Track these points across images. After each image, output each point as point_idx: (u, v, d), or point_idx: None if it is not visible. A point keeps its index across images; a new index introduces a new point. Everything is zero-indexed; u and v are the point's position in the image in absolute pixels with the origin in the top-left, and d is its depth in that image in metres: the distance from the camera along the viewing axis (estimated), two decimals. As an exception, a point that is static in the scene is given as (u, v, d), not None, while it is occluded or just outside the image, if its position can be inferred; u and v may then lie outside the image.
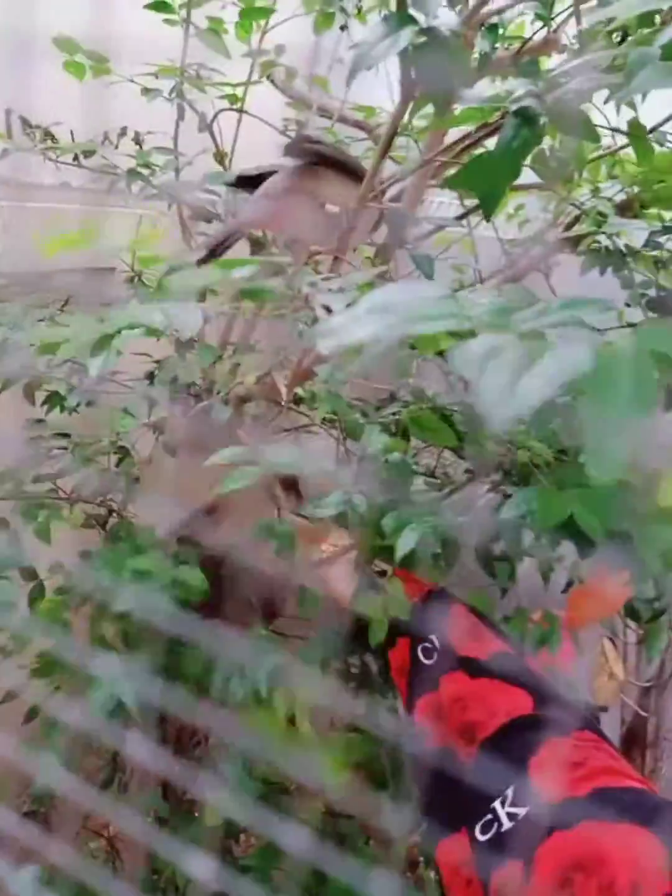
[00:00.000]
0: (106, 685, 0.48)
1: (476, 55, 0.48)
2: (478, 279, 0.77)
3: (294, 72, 0.70)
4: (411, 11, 0.27)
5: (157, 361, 0.73)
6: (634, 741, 1.04)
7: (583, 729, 0.42)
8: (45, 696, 0.58)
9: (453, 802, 0.41)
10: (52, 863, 0.52)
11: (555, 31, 0.51)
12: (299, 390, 0.72)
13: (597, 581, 0.68)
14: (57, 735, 0.54)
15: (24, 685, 0.58)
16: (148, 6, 0.57)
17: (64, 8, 0.66)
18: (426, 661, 0.49)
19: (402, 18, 0.27)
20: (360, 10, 0.65)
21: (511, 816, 0.37)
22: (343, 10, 0.63)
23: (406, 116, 0.34)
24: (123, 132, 0.59)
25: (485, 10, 0.39)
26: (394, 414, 0.61)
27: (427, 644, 0.50)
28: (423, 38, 0.26)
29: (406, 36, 0.26)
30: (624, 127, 0.48)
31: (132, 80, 0.55)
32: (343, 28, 0.65)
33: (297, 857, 0.50)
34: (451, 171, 0.60)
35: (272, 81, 0.69)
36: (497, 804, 0.38)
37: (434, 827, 0.44)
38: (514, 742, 0.41)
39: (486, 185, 0.30)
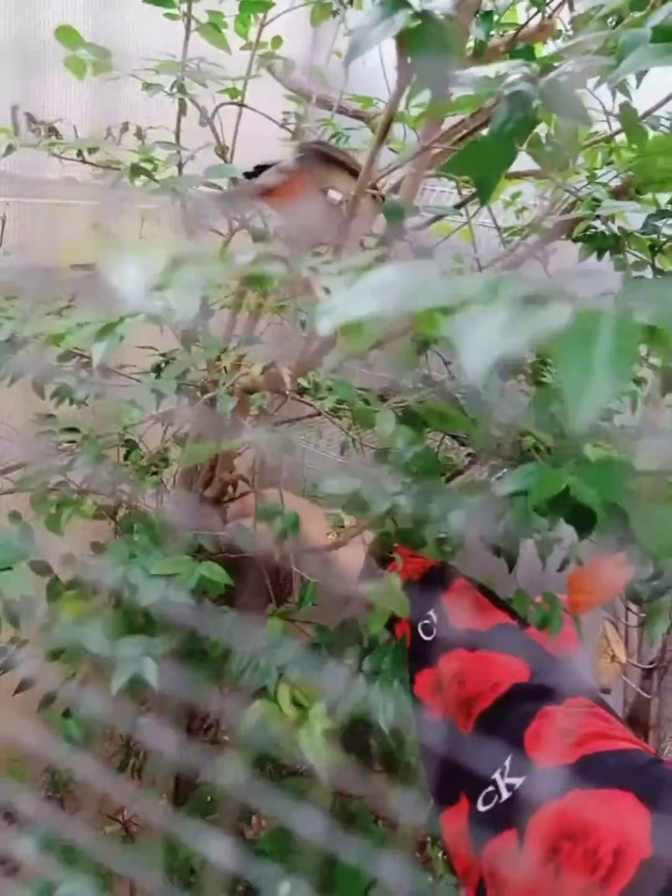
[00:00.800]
0: (127, 665, 0.49)
1: (471, 43, 0.49)
2: (476, 268, 0.78)
3: (292, 64, 0.71)
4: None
5: (163, 355, 0.74)
6: (636, 723, 1.05)
7: (577, 695, 0.43)
8: (63, 683, 0.59)
9: (456, 775, 0.42)
10: (71, 845, 0.53)
11: (549, 16, 0.51)
12: (303, 381, 0.73)
13: (597, 563, 0.68)
14: (75, 721, 0.56)
15: (40, 672, 0.60)
16: (148, 0, 0.57)
17: (67, 8, 0.67)
18: (426, 638, 0.50)
19: (396, 2, 0.27)
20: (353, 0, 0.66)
21: (509, 787, 0.38)
22: (340, 0, 0.64)
23: (402, 103, 0.35)
24: (125, 127, 0.60)
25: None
26: (400, 402, 0.62)
27: (426, 621, 0.51)
28: (417, 22, 0.27)
29: (400, 19, 0.27)
30: (618, 113, 0.49)
31: (133, 76, 0.56)
32: (335, 14, 0.65)
33: (308, 838, 0.51)
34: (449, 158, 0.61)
35: (272, 73, 0.70)
36: (497, 775, 0.39)
37: (440, 800, 0.45)
38: (510, 712, 0.42)
39: (481, 169, 0.31)
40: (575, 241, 0.64)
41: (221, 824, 0.59)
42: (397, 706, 0.50)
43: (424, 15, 0.27)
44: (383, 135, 0.38)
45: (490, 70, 0.32)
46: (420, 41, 0.28)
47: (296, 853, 0.62)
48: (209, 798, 0.70)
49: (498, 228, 0.81)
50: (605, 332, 0.16)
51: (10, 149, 0.57)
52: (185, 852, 0.65)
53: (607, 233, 0.61)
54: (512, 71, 0.30)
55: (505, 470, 0.63)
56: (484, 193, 0.32)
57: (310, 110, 0.77)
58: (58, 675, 0.61)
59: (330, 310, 0.22)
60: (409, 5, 0.27)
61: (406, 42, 0.28)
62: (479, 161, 0.30)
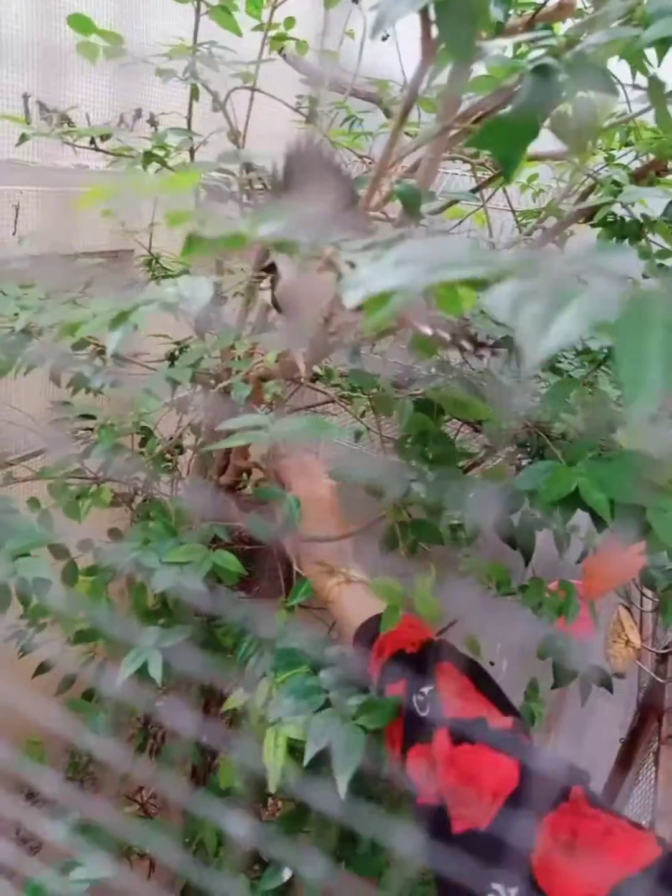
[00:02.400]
0: (137, 656, 0.50)
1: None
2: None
3: (304, 45, 0.70)
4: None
5: (178, 343, 0.74)
6: (651, 707, 1.05)
7: (571, 786, 0.41)
8: (81, 666, 0.60)
9: (452, 877, 0.40)
10: (93, 825, 0.54)
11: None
12: (317, 368, 0.73)
13: (611, 550, 0.68)
14: (94, 703, 0.56)
15: (59, 656, 0.60)
16: (159, -15, 0.57)
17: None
18: (420, 713, 0.48)
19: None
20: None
21: None
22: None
23: (425, 81, 0.34)
24: (138, 114, 0.60)
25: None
26: (415, 390, 0.61)
27: (420, 696, 0.49)
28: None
29: (428, -10, 0.27)
30: (637, 89, 0.48)
31: (146, 61, 0.56)
32: (356, 0, 0.64)
33: (326, 817, 0.51)
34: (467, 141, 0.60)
35: (283, 56, 0.69)
36: (499, 887, 0.38)
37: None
38: (509, 832, 0.40)
39: (504, 146, 0.30)
40: (594, 226, 0.63)
41: (238, 804, 0.60)
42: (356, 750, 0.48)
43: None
44: (405, 115, 0.38)
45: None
46: (448, 11, 0.27)
47: (310, 834, 0.63)
48: (225, 779, 0.70)
49: (513, 212, 0.80)
50: (658, 320, 0.16)
51: (23, 138, 0.57)
52: (203, 831, 0.66)
53: (628, 219, 0.60)
54: (536, 48, 0.30)
55: (522, 458, 0.62)
56: (508, 171, 0.31)
57: (323, 93, 0.76)
58: (76, 657, 0.61)
59: (356, 283, 0.22)
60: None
61: (435, 13, 0.27)
62: (503, 137, 0.30)
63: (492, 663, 0.71)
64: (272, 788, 0.48)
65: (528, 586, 0.60)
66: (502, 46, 0.35)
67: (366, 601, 0.56)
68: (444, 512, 0.59)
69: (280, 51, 0.69)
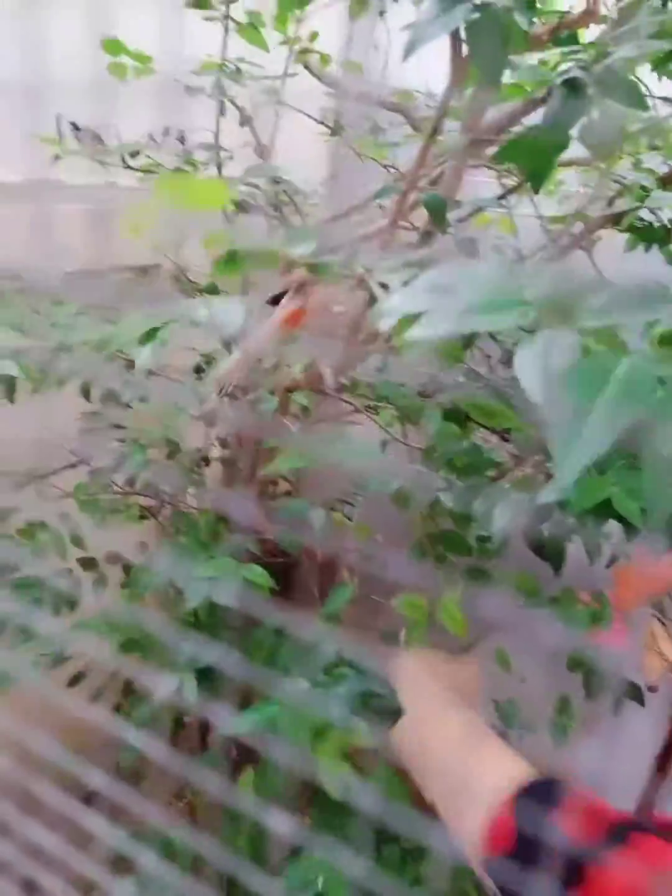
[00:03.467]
0: (174, 672, 0.50)
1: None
2: (518, 258, 0.76)
3: (328, 58, 0.70)
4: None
5: (204, 355, 0.75)
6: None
7: None
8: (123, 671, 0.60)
9: None
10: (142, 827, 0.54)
11: (594, 1, 0.50)
12: (343, 378, 0.73)
13: (645, 560, 0.67)
14: (140, 708, 0.57)
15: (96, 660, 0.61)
16: (188, 4, 0.58)
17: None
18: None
19: (455, -4, 0.27)
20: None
21: None
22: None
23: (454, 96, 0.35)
24: (167, 132, 0.61)
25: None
26: (443, 399, 0.61)
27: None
28: (476, 15, 0.27)
29: (460, 13, 0.27)
30: (667, 102, 0.47)
31: (177, 80, 0.57)
32: (382, 13, 0.65)
33: (366, 816, 0.50)
34: (492, 150, 0.60)
35: (308, 69, 0.70)
36: None
37: None
38: None
39: (533, 158, 0.30)
40: (622, 231, 0.63)
41: (279, 803, 0.60)
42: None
43: (484, 7, 0.27)
44: (434, 133, 0.38)
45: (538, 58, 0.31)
46: (479, 33, 0.27)
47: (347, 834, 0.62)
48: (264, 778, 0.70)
49: (540, 218, 0.79)
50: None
51: (56, 158, 0.58)
52: (246, 829, 0.65)
53: (655, 224, 0.59)
54: (564, 61, 0.30)
55: (552, 467, 0.62)
56: (536, 182, 0.31)
57: (347, 105, 0.77)
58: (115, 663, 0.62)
59: (389, 310, 0.22)
60: (468, -1, 0.27)
61: (466, 35, 0.27)
62: (532, 152, 0.30)
63: (524, 680, 0.70)
64: (336, 795, 0.48)
65: (560, 597, 0.60)
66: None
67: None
68: (472, 522, 0.58)
69: (305, 64, 0.70)
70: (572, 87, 0.29)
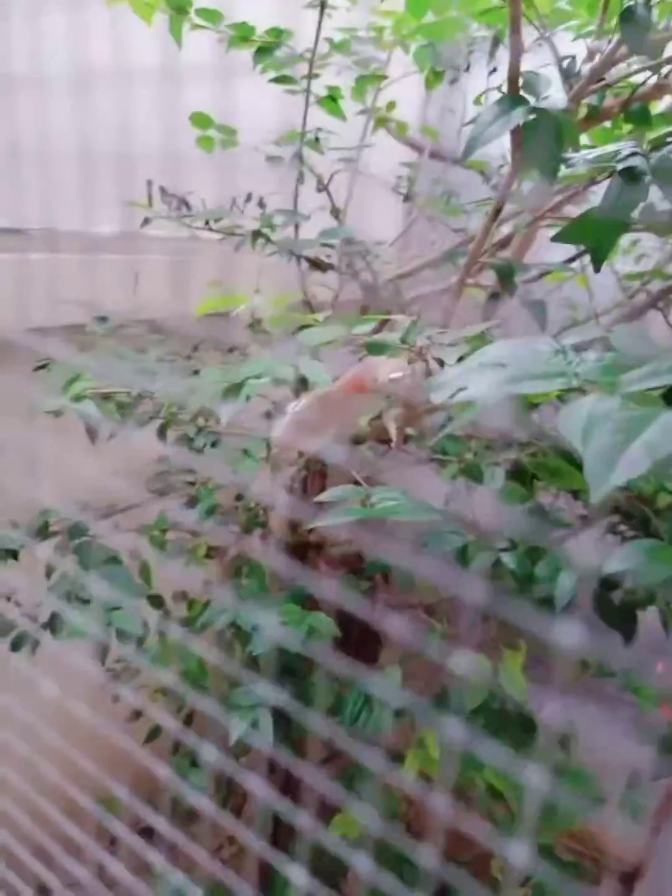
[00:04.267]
0: (244, 716, 0.50)
1: (584, 109, 0.49)
2: (592, 316, 0.76)
3: (404, 127, 0.73)
4: (523, 93, 0.28)
5: (274, 403, 0.78)
6: None
7: None
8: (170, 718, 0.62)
9: None
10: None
11: (666, 76, 0.50)
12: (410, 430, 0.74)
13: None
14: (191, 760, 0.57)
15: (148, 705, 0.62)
16: (272, 80, 0.62)
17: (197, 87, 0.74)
18: None
19: (514, 100, 0.29)
20: (468, 66, 0.68)
21: None
22: (455, 67, 0.66)
23: (514, 184, 0.36)
24: (248, 198, 0.65)
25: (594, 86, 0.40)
26: (509, 456, 0.61)
27: None
28: (532, 116, 0.28)
29: (518, 115, 0.28)
30: None
31: (257, 149, 0.60)
32: (453, 82, 0.67)
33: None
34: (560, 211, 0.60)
35: (387, 130, 0.73)
36: None
37: None
38: None
39: (594, 239, 0.31)
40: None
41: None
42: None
43: (540, 111, 0.28)
44: (496, 214, 0.39)
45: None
46: (534, 135, 0.28)
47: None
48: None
49: (616, 275, 0.79)
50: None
51: (146, 221, 0.63)
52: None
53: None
54: (623, 148, 0.30)
55: (626, 530, 0.60)
56: (598, 259, 0.32)
57: (422, 164, 0.79)
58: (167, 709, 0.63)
59: (445, 384, 0.23)
60: (526, 102, 0.28)
61: (521, 135, 0.29)
62: (593, 232, 0.30)
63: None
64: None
65: (628, 671, 0.57)
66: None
67: None
68: (536, 584, 0.57)
69: (384, 126, 0.73)
70: (630, 175, 0.30)
